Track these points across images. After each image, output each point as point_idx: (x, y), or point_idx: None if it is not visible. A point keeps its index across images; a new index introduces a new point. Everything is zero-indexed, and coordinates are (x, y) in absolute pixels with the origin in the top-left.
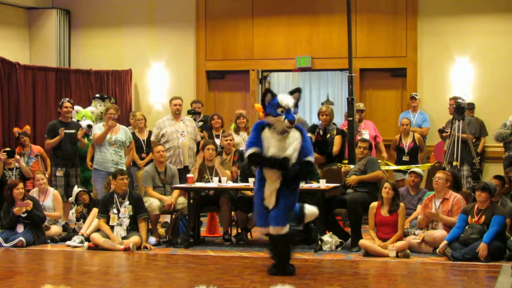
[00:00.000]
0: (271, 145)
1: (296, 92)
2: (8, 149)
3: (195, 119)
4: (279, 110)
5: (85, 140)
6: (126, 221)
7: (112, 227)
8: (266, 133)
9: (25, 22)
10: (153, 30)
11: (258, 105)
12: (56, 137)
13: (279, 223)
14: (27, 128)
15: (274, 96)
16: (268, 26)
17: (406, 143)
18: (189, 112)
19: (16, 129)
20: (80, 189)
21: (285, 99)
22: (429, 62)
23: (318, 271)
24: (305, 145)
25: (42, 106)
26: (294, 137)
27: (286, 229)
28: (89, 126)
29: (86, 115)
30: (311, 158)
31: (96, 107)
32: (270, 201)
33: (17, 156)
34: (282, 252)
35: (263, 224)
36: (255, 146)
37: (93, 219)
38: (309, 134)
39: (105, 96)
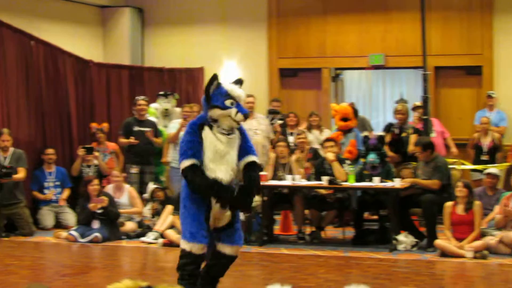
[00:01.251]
0: (215, 152)
1: (239, 83)
2: (87, 146)
3: (273, 118)
4: (228, 102)
5: (160, 138)
6: None
7: None
8: (207, 134)
9: (99, 20)
10: (225, 28)
11: (334, 105)
12: (128, 140)
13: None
14: (105, 125)
15: (220, 84)
16: (340, 23)
17: (485, 142)
18: (269, 112)
19: (93, 125)
20: (155, 186)
21: (236, 89)
22: (506, 60)
23: (393, 271)
24: (247, 145)
25: (116, 103)
26: (238, 138)
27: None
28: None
29: (150, 112)
30: (255, 158)
31: (161, 104)
32: (223, 221)
33: (96, 153)
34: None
35: (209, 243)
36: (191, 156)
37: (167, 216)
38: (383, 133)
39: (169, 93)
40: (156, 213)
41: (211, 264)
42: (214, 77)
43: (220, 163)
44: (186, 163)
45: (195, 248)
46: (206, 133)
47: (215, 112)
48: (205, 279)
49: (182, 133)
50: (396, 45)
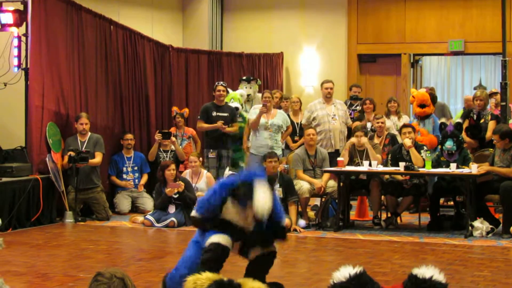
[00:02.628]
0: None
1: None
2: (164, 130)
3: (352, 104)
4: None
5: (236, 125)
6: None
7: None
8: (228, 206)
9: (179, 5)
10: (304, 13)
11: (413, 89)
12: (211, 125)
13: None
14: (186, 110)
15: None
16: (420, 9)
17: None
18: (351, 98)
19: (175, 108)
20: (231, 171)
21: (263, 211)
22: None
23: (468, 257)
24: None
25: (195, 88)
26: None
27: None
28: (237, 109)
29: (235, 97)
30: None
31: (242, 89)
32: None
33: (173, 138)
34: None
35: None
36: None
37: None
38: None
39: (251, 78)
40: None
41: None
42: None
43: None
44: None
45: (225, 240)
46: (227, 204)
47: (236, 208)
48: None
49: (265, 119)
50: (475, 31)
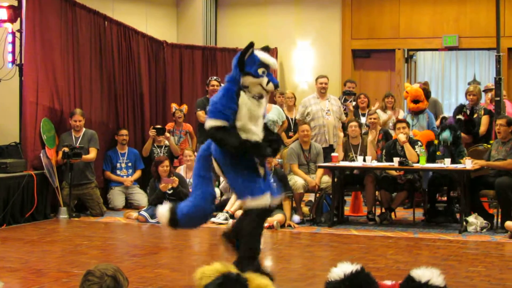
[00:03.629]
0: (248, 115)
1: (267, 51)
2: (158, 126)
3: (346, 99)
4: (260, 71)
5: None
6: None
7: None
8: (245, 99)
9: (173, 1)
10: (299, 9)
11: (407, 84)
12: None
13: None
14: (185, 107)
15: (253, 52)
16: (414, 4)
17: None
18: (344, 93)
19: (174, 104)
20: None
21: (269, 58)
22: None
23: (463, 253)
24: None
25: (189, 84)
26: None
27: None
28: None
29: None
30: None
31: None
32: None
33: (167, 134)
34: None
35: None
36: (224, 118)
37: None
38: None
39: None
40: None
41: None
42: (251, 45)
43: (255, 126)
44: (217, 123)
45: (266, 199)
46: (244, 98)
47: (247, 79)
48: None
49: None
50: (469, 26)
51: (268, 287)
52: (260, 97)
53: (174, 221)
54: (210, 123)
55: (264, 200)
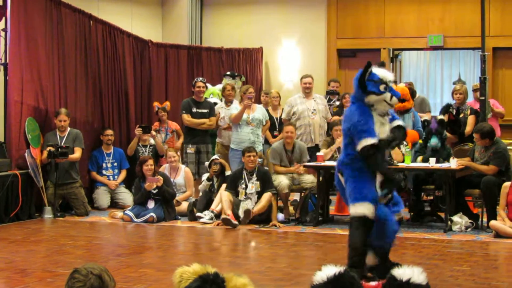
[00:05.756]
0: (382, 133)
1: (383, 66)
2: (144, 124)
3: (330, 99)
4: (382, 87)
5: (215, 120)
6: (254, 197)
7: (239, 202)
8: (376, 117)
9: (158, 0)
10: (284, 8)
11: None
12: (199, 121)
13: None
14: (167, 104)
15: (372, 71)
16: (399, 4)
17: None
18: (327, 93)
19: (156, 103)
20: (216, 156)
21: (387, 74)
22: None
23: (447, 252)
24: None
25: (174, 83)
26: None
27: None
28: (215, 104)
29: (214, 92)
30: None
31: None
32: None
33: (153, 132)
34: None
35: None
36: (374, 135)
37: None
38: (441, 117)
39: (236, 74)
40: (212, 179)
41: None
42: (369, 65)
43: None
44: (372, 140)
45: (369, 209)
46: (375, 116)
47: (372, 98)
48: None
49: (246, 114)
50: (455, 26)
51: (245, 286)
52: (386, 114)
53: None
54: (366, 141)
55: (364, 208)
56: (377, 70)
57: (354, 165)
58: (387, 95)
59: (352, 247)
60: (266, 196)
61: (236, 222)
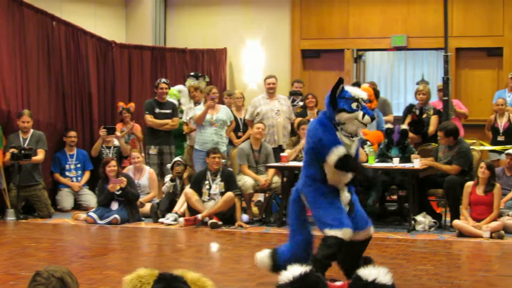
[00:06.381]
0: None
1: (358, 86)
2: (108, 126)
3: (294, 100)
4: (354, 105)
5: (176, 120)
6: (218, 198)
7: (203, 203)
8: (341, 137)
9: (122, 1)
10: (248, 9)
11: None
12: (162, 121)
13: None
14: (132, 105)
15: (343, 88)
16: (363, 4)
17: (501, 123)
18: (291, 93)
19: (121, 104)
20: (179, 158)
21: (360, 92)
22: None
23: (411, 251)
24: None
25: (138, 84)
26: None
27: None
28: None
29: (171, 93)
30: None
31: (190, 85)
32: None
33: (118, 133)
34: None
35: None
36: (342, 145)
37: (186, 199)
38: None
39: (200, 74)
40: (175, 179)
41: (350, 251)
42: (340, 81)
43: None
44: (343, 149)
45: (346, 233)
46: (341, 136)
47: (343, 116)
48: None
49: (210, 115)
50: (418, 26)
51: (199, 278)
52: (354, 136)
53: (276, 267)
54: (336, 153)
55: (343, 233)
56: (349, 88)
57: (317, 190)
58: (359, 113)
59: (319, 260)
60: (225, 197)
61: (220, 222)
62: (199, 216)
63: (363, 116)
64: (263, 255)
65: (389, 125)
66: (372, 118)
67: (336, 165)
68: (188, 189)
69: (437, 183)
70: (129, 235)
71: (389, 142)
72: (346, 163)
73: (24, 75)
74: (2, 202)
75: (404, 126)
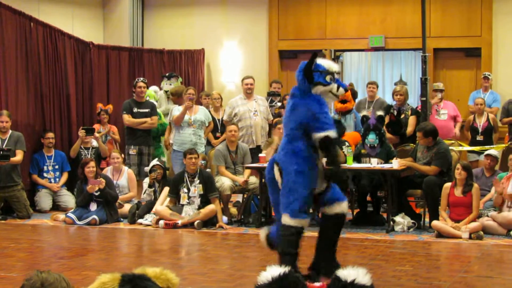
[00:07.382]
0: None
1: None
2: (87, 127)
3: (272, 100)
4: (328, 78)
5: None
6: (197, 200)
7: (182, 206)
8: None
9: (100, 2)
10: (226, 9)
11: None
12: (139, 120)
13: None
14: (110, 107)
15: (316, 62)
16: (340, 5)
17: (480, 123)
18: (269, 94)
19: (99, 105)
20: (157, 162)
21: (333, 65)
22: (504, 42)
23: (390, 252)
24: None
25: (116, 85)
26: None
27: None
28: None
29: (150, 95)
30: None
31: (164, 86)
32: (322, 185)
33: (96, 134)
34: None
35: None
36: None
37: (165, 198)
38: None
39: (173, 74)
40: (153, 185)
41: (324, 230)
42: (315, 55)
43: None
44: (335, 135)
45: (303, 224)
46: None
47: (318, 89)
48: (325, 247)
49: (188, 116)
50: (396, 27)
51: (161, 271)
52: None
53: (272, 245)
54: (329, 133)
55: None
56: (322, 61)
57: (300, 166)
58: (334, 85)
59: (286, 252)
60: (206, 210)
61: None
62: (179, 222)
63: (338, 88)
64: (261, 236)
65: (365, 113)
66: (345, 90)
67: (321, 141)
68: (158, 206)
69: (416, 184)
70: (108, 235)
71: (366, 128)
72: (331, 144)
73: (2, 76)
74: None
75: (380, 113)
